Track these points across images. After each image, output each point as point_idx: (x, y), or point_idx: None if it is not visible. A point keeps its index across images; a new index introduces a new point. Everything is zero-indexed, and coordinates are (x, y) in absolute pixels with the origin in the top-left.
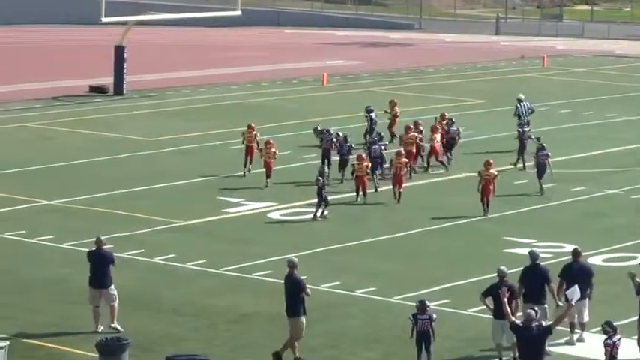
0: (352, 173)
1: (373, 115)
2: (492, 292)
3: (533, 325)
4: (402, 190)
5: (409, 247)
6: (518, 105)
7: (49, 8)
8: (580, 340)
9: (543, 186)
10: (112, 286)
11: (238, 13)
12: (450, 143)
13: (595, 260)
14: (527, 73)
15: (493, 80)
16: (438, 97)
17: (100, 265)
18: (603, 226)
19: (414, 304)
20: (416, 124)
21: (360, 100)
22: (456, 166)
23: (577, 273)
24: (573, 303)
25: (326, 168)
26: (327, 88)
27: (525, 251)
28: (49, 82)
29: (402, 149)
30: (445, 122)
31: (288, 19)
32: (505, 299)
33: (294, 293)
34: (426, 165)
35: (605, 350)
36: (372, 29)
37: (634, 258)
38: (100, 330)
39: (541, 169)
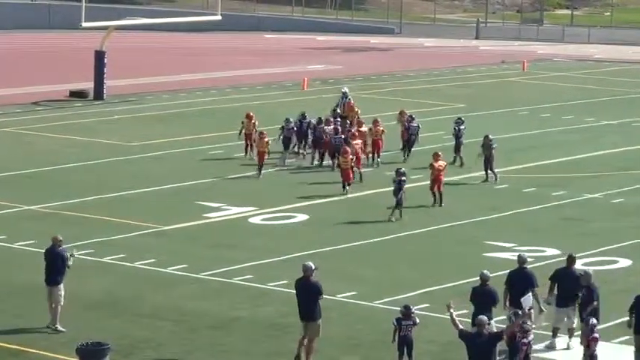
0: (338, 166)
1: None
2: (475, 296)
3: (484, 331)
4: (361, 170)
5: (389, 251)
6: (342, 99)
7: (29, 13)
8: (569, 347)
9: (497, 174)
10: (61, 286)
11: (219, 18)
12: (410, 140)
13: (576, 265)
14: (507, 77)
15: (473, 85)
16: (418, 101)
17: (53, 263)
18: (583, 231)
19: (395, 308)
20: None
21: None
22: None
23: (565, 278)
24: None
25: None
26: (307, 92)
27: (506, 255)
28: (29, 87)
29: (355, 132)
30: (405, 119)
31: (269, 24)
32: (451, 310)
33: (315, 297)
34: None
35: (521, 350)
36: (353, 34)
37: (614, 262)
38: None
39: (492, 159)
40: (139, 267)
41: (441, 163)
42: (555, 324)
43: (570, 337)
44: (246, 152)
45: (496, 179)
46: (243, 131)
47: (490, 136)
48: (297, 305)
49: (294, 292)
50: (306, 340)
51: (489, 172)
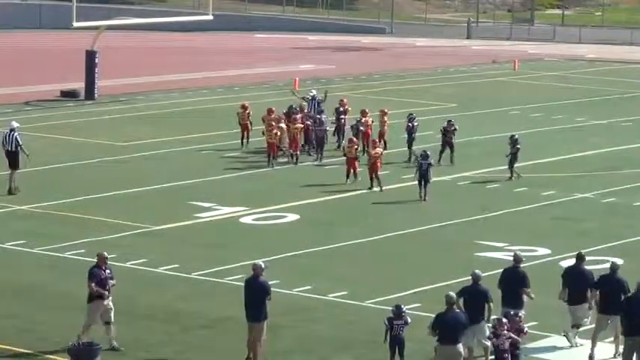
0: (344, 155)
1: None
2: (464, 295)
3: (454, 309)
4: (297, 152)
5: (381, 251)
6: (311, 102)
7: (20, 13)
8: (573, 345)
9: (515, 173)
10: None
11: (210, 17)
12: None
13: (567, 264)
14: (498, 77)
15: (464, 84)
16: (409, 101)
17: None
18: (574, 230)
19: (386, 308)
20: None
21: (332, 105)
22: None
23: (575, 277)
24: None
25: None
26: (298, 92)
27: (497, 255)
28: (20, 87)
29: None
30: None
31: (260, 23)
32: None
33: (262, 297)
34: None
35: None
36: (344, 34)
37: (605, 262)
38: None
39: (514, 158)
40: (130, 267)
41: (378, 150)
42: (572, 321)
43: (576, 331)
44: (242, 141)
45: (510, 178)
46: (239, 122)
47: (515, 136)
48: (244, 305)
49: (245, 290)
50: (252, 340)
51: (510, 169)
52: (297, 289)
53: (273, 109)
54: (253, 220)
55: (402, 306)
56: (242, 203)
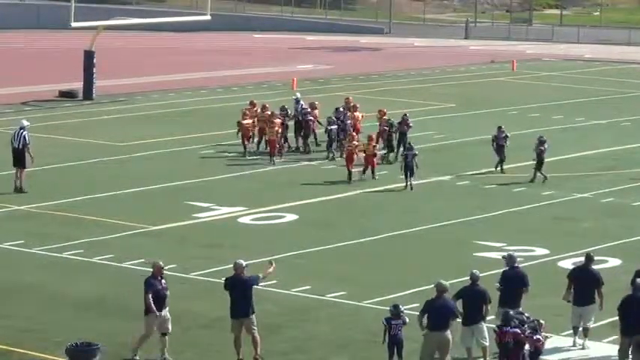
0: (364, 151)
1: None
2: (463, 295)
3: (444, 296)
4: (281, 148)
5: (379, 251)
6: (296, 105)
7: (18, 13)
8: (584, 347)
9: (542, 175)
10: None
11: (208, 17)
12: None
13: (565, 264)
14: (496, 77)
15: (463, 84)
16: (408, 101)
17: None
18: (573, 230)
19: (384, 308)
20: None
21: (330, 105)
22: (424, 170)
23: (582, 277)
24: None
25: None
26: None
27: (495, 255)
28: (18, 88)
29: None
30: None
31: (258, 23)
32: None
33: (249, 292)
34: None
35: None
36: (342, 34)
37: (604, 262)
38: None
39: (540, 160)
40: (128, 267)
41: (354, 142)
42: (573, 323)
43: (586, 337)
44: (252, 141)
45: (544, 179)
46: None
47: (542, 138)
48: (230, 303)
49: (227, 290)
50: (245, 337)
51: (538, 173)
52: (296, 289)
53: (267, 104)
54: (251, 220)
55: (400, 305)
56: (240, 203)
